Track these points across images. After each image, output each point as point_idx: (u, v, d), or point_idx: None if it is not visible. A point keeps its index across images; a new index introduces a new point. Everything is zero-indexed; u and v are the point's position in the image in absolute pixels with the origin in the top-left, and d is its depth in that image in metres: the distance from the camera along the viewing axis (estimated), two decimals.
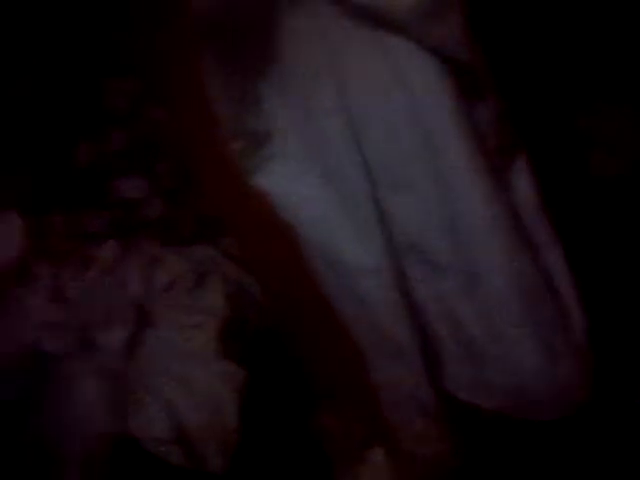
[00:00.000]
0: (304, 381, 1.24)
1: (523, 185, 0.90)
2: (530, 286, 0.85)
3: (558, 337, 0.88)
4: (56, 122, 1.34)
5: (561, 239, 0.95)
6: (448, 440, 0.97)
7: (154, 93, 1.37)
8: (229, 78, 0.84)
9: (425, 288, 0.91)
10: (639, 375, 1.15)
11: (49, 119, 1.34)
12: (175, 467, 1.02)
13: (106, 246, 1.22)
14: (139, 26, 1.22)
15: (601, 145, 1.37)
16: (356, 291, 0.91)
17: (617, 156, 1.37)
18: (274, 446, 1.17)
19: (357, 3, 0.74)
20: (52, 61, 1.38)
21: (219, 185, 1.22)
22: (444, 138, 0.79)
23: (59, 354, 1.08)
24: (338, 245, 0.90)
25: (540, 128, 1.25)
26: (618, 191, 1.33)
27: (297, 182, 0.90)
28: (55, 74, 1.36)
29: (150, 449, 1.01)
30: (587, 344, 0.91)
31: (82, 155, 1.38)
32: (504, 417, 0.93)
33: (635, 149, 1.38)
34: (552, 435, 0.96)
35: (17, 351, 1.11)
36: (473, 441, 0.98)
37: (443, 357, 0.95)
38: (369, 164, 0.84)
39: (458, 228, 0.83)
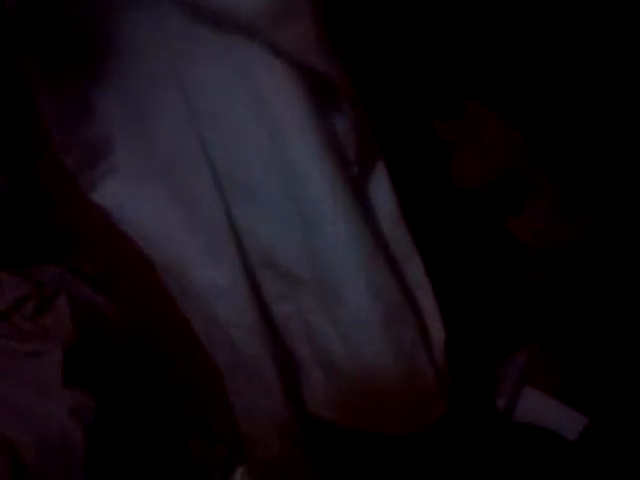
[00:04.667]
0: (167, 402, 1.18)
1: (382, 197, 0.88)
2: (389, 302, 0.83)
3: (418, 352, 0.86)
4: None
5: (420, 251, 0.94)
6: (307, 460, 0.93)
7: None
8: (57, 83, 0.75)
9: (283, 305, 0.87)
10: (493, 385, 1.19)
11: None
12: None
13: None
14: None
15: (464, 156, 1.40)
16: (210, 311, 0.86)
17: (478, 169, 1.41)
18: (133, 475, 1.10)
19: (203, 4, 0.68)
20: None
21: (66, 199, 1.13)
22: (296, 147, 0.74)
23: None
24: (188, 263, 0.83)
25: (401, 136, 1.25)
26: (479, 203, 1.36)
27: (140, 198, 0.83)
28: None
29: None
30: (445, 358, 0.90)
31: None
32: (363, 433, 0.91)
33: (497, 163, 1.42)
34: (410, 448, 0.96)
35: None
36: (333, 459, 0.96)
37: (303, 375, 0.92)
38: (219, 177, 0.79)
39: (315, 242, 0.80)
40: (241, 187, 0.79)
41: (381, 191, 0.87)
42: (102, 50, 0.74)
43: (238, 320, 0.84)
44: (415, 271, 0.89)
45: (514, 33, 1.32)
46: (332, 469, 0.98)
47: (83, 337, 1.12)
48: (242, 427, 0.98)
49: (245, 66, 0.72)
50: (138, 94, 0.76)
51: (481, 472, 1.09)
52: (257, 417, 0.93)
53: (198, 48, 0.73)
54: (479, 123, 1.41)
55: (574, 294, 1.29)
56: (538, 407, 1.21)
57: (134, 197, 0.82)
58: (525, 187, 1.40)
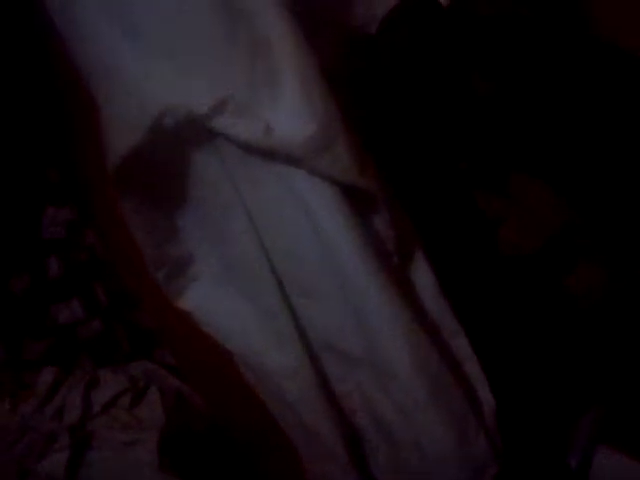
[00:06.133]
0: None
1: (422, 280, 0.99)
2: (434, 373, 0.92)
3: (468, 420, 0.94)
4: None
5: (466, 323, 1.03)
6: None
7: (88, 220, 1.44)
8: (145, 217, 0.93)
9: (344, 383, 0.98)
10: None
11: None
12: None
13: (44, 373, 1.24)
14: (72, 159, 1.31)
15: (511, 225, 1.46)
16: (280, 392, 0.97)
17: (527, 235, 1.46)
18: None
19: (252, 144, 0.83)
20: None
21: (153, 303, 1.27)
22: (342, 249, 0.87)
23: None
24: (260, 351, 0.97)
25: (445, 211, 1.34)
26: (527, 270, 1.41)
27: (217, 300, 0.98)
28: None
29: None
30: (496, 424, 0.98)
31: (19, 284, 1.41)
32: None
33: (545, 227, 1.47)
34: None
35: None
36: None
37: (367, 447, 1.01)
38: (280, 277, 0.93)
39: (364, 326, 0.91)
40: (299, 285, 0.92)
41: (421, 274, 0.98)
42: (177, 184, 0.91)
43: (305, 399, 0.95)
44: (460, 344, 0.99)
45: (556, 103, 1.41)
46: None
47: (174, 425, 1.24)
48: None
49: (294, 186, 0.86)
50: (210, 216, 0.93)
51: None
52: None
53: (253, 174, 0.88)
54: (524, 193, 1.48)
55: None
56: (613, 467, 1.21)
57: (212, 300, 0.98)
58: (574, 251, 1.44)
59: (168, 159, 0.88)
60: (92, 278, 1.45)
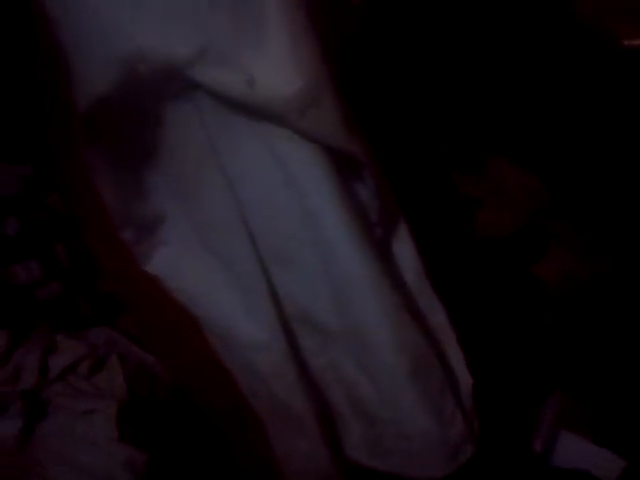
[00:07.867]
0: (214, 453, 1.23)
1: (405, 253, 0.95)
2: (416, 351, 0.89)
3: (445, 399, 0.92)
4: None
5: (446, 301, 1.00)
6: None
7: (48, 179, 1.37)
8: (114, 171, 0.87)
9: (318, 357, 0.94)
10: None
11: None
12: None
13: None
14: (33, 115, 1.23)
15: (487, 207, 1.45)
16: (250, 365, 0.93)
17: (503, 219, 1.45)
18: None
19: (234, 97, 0.77)
20: None
21: (116, 268, 1.21)
22: (324, 217, 0.83)
23: None
24: (230, 321, 0.92)
25: (424, 193, 1.31)
26: (502, 251, 1.40)
27: (188, 264, 0.93)
28: None
29: None
30: (473, 402, 0.95)
31: None
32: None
33: (521, 212, 1.46)
34: None
35: None
36: None
37: (340, 423, 0.98)
38: (257, 244, 0.87)
39: (343, 299, 0.87)
40: (276, 253, 0.87)
41: (404, 248, 0.95)
42: (150, 138, 0.85)
43: (277, 373, 0.91)
44: (439, 320, 0.96)
45: (532, 87, 1.38)
46: None
47: (134, 394, 1.18)
48: (286, 476, 1.03)
49: (276, 147, 0.81)
50: (184, 173, 0.87)
51: None
52: (300, 465, 0.98)
53: (232, 132, 0.82)
54: (500, 176, 1.47)
55: (603, 336, 1.31)
56: (576, 451, 1.21)
57: (183, 264, 0.92)
58: (547, 235, 1.44)
59: (141, 110, 0.81)
60: (53, 238, 1.39)
